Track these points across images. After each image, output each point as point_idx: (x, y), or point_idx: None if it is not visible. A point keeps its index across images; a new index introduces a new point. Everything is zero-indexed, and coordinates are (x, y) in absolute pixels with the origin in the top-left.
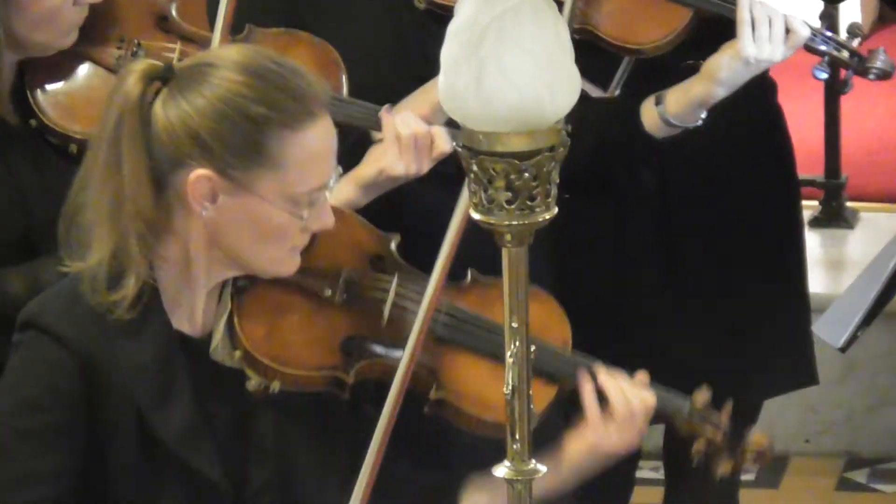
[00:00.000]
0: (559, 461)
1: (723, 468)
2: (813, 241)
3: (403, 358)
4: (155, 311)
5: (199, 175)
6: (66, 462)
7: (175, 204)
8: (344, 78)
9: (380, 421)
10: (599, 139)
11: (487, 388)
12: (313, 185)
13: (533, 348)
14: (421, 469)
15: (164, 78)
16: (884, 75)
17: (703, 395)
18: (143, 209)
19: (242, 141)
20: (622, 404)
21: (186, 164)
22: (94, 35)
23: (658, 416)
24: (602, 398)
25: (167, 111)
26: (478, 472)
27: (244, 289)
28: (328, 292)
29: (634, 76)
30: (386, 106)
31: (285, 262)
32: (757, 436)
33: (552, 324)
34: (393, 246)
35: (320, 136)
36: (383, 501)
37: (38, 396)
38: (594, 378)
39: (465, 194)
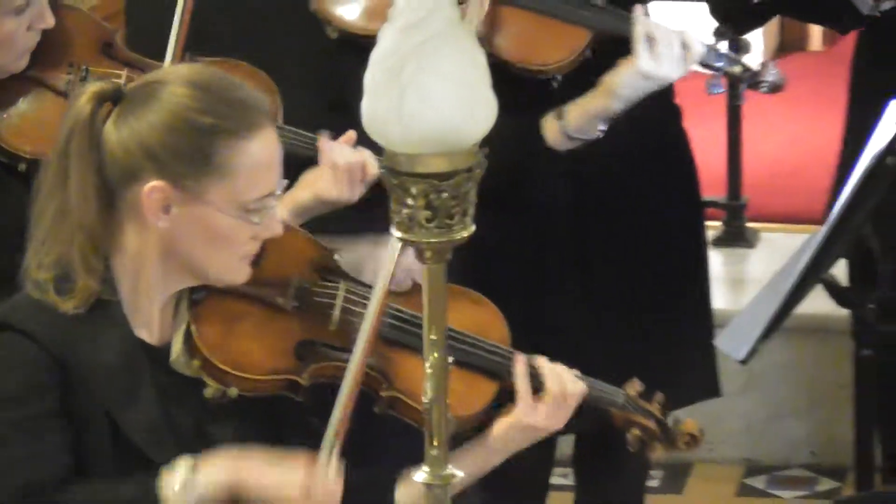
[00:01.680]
0: (487, 436)
1: (655, 452)
2: (715, 259)
3: (353, 358)
4: (116, 317)
5: (152, 187)
6: (57, 443)
7: (128, 217)
8: (280, 105)
9: (332, 419)
10: (511, 156)
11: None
12: (262, 192)
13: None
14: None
15: (114, 99)
16: (775, 88)
17: (635, 386)
18: (86, 222)
19: (192, 151)
20: (557, 384)
21: (140, 178)
22: (44, 60)
23: (594, 408)
24: (536, 383)
25: (119, 130)
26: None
27: (199, 301)
28: (280, 300)
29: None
30: (322, 134)
31: (236, 270)
32: (689, 422)
33: (491, 324)
34: (337, 256)
35: (266, 146)
36: None
37: (19, 390)
38: (532, 364)
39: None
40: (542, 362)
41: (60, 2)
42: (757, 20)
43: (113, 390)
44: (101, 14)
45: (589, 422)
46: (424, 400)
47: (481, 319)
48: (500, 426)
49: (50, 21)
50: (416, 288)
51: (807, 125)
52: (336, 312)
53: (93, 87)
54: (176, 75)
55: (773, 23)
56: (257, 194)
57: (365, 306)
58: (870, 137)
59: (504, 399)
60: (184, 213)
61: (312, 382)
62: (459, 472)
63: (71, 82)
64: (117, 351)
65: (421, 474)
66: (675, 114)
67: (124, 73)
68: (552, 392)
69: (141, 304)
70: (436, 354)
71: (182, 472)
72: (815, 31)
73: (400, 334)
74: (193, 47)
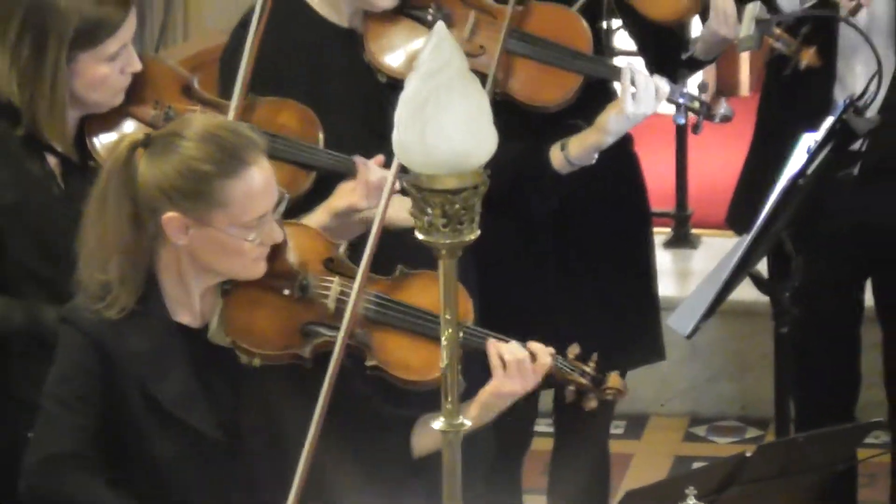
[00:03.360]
0: (478, 398)
1: (590, 404)
2: (666, 257)
3: (339, 334)
4: (156, 309)
5: (169, 217)
6: (87, 421)
7: (160, 237)
8: (320, 134)
9: (325, 380)
10: (517, 174)
11: (408, 356)
12: (257, 214)
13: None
14: (383, 402)
15: (145, 143)
16: (725, 118)
17: (573, 350)
18: (123, 244)
19: (196, 191)
20: (511, 357)
21: (160, 210)
22: (135, 98)
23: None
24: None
25: (144, 172)
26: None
27: (228, 291)
28: (287, 291)
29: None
30: (357, 156)
31: (251, 269)
32: (614, 378)
33: (465, 308)
34: (341, 250)
35: (255, 178)
36: (346, 425)
37: (68, 370)
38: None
39: (379, 210)
40: (502, 345)
41: (147, 52)
42: (686, 72)
43: (147, 370)
44: (194, 63)
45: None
46: (441, 365)
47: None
48: (485, 392)
49: (137, 66)
50: (401, 275)
51: (738, 152)
52: (331, 301)
53: (129, 138)
54: (190, 130)
55: (711, 72)
56: (252, 216)
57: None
58: (774, 161)
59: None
60: (198, 234)
61: (314, 355)
62: (468, 422)
63: (156, 116)
64: (153, 338)
65: (438, 423)
66: (627, 141)
67: (198, 109)
68: (510, 363)
69: (182, 296)
70: (450, 330)
71: None
72: (744, 80)
73: (382, 316)
74: (260, 88)
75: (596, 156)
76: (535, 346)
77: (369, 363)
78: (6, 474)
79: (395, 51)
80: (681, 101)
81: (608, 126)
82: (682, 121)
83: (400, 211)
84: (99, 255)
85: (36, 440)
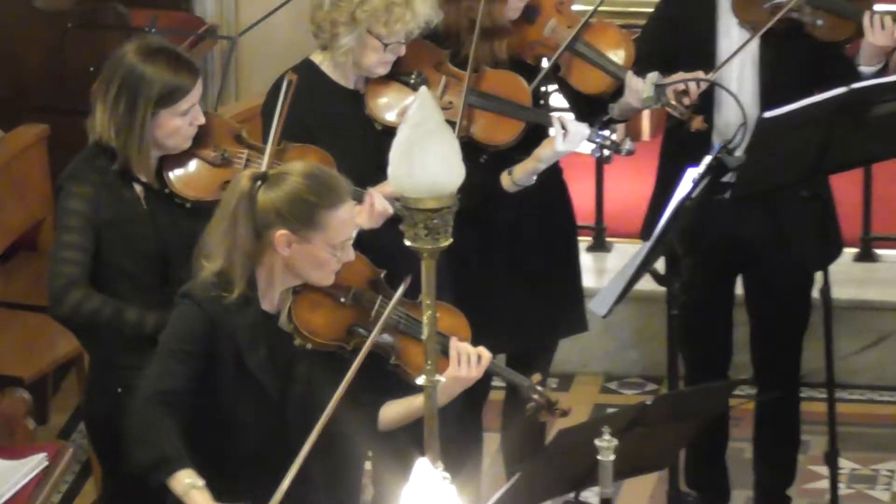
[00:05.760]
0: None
1: (542, 419)
2: (588, 258)
3: (373, 334)
4: (253, 300)
5: (280, 233)
6: (190, 373)
7: (268, 247)
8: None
9: (353, 366)
10: (481, 194)
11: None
12: (343, 238)
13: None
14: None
15: (263, 178)
16: (630, 152)
17: (536, 377)
18: (245, 249)
19: (303, 216)
20: (462, 356)
21: (274, 227)
22: (200, 143)
23: (511, 387)
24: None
25: (264, 197)
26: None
27: (299, 291)
28: (342, 299)
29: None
30: (371, 188)
31: (326, 279)
32: (563, 404)
33: (457, 325)
34: (381, 275)
35: (346, 211)
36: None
37: (183, 331)
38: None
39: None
40: (460, 344)
41: (209, 109)
42: (607, 124)
43: (242, 341)
44: (244, 117)
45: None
46: (423, 338)
47: (453, 323)
48: (446, 377)
49: (202, 120)
50: (419, 303)
51: (640, 182)
52: (373, 311)
53: (248, 173)
54: (296, 170)
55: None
56: (340, 239)
57: (392, 309)
58: (674, 188)
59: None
60: (298, 248)
61: (352, 348)
62: (442, 378)
63: (215, 157)
64: (250, 317)
65: (421, 378)
66: (557, 171)
67: (246, 152)
68: (461, 360)
69: (267, 290)
70: (429, 313)
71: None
72: (646, 128)
73: (408, 329)
74: (288, 135)
75: (534, 178)
76: (482, 350)
77: (392, 361)
78: (105, 424)
79: (388, 106)
80: (597, 139)
81: (542, 156)
82: (598, 154)
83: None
84: (225, 255)
85: (146, 377)
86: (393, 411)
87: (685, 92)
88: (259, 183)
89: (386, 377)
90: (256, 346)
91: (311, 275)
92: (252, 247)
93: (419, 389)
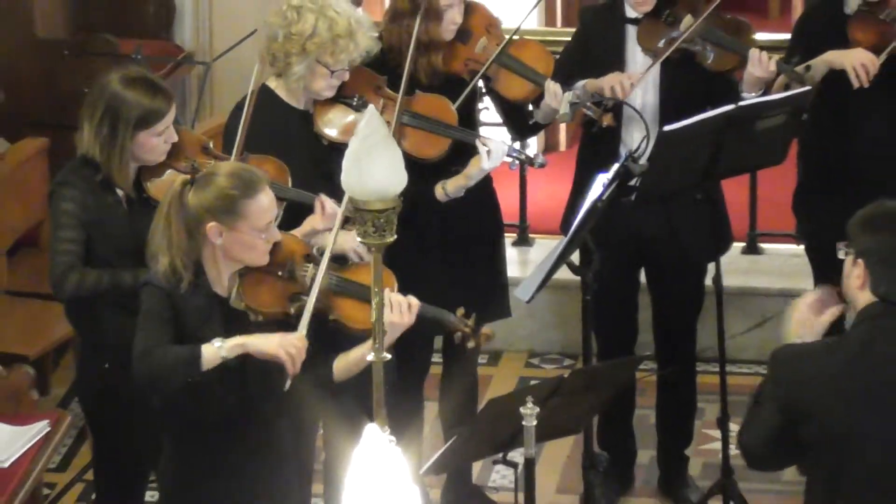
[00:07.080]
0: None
1: (470, 345)
2: (512, 252)
3: (310, 299)
4: (204, 284)
5: (210, 226)
6: (170, 335)
7: (204, 239)
8: (289, 178)
9: (301, 322)
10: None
11: (357, 314)
12: (266, 221)
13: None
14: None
15: (191, 182)
16: (542, 165)
17: (460, 311)
18: (181, 246)
19: (227, 208)
20: (394, 305)
21: (204, 221)
22: (173, 155)
23: (440, 324)
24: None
25: (193, 198)
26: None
27: (244, 273)
28: (280, 273)
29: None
30: (321, 193)
31: (260, 259)
32: (486, 330)
33: (387, 280)
34: (314, 250)
35: (264, 200)
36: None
37: (153, 307)
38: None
39: (334, 231)
40: (391, 294)
41: (182, 125)
42: (532, 133)
43: (197, 319)
44: (216, 131)
45: (437, 328)
46: (372, 320)
47: (384, 278)
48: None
49: (175, 138)
50: (350, 266)
51: (558, 187)
52: (308, 279)
53: (179, 180)
54: (221, 170)
55: (541, 133)
56: (264, 223)
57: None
58: (587, 191)
59: None
60: (229, 236)
61: (296, 312)
62: (388, 356)
63: (186, 167)
64: (203, 298)
65: (371, 355)
66: (488, 180)
67: (213, 162)
68: (394, 305)
69: (216, 276)
70: (377, 298)
71: (216, 342)
72: (562, 139)
73: (339, 289)
74: (249, 147)
75: (464, 192)
76: (411, 298)
77: (331, 317)
78: (95, 396)
79: (333, 124)
80: (514, 154)
81: (471, 174)
82: (516, 166)
83: (347, 241)
84: (166, 252)
85: (135, 344)
86: (342, 364)
87: (599, 103)
88: (188, 186)
89: (332, 335)
90: (211, 322)
91: (246, 257)
92: (187, 242)
93: (358, 340)
